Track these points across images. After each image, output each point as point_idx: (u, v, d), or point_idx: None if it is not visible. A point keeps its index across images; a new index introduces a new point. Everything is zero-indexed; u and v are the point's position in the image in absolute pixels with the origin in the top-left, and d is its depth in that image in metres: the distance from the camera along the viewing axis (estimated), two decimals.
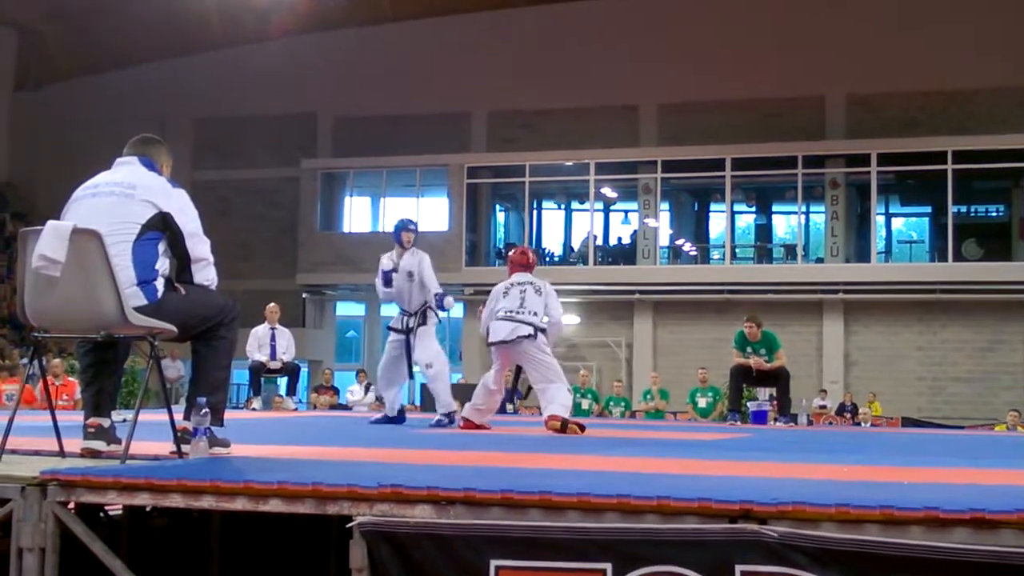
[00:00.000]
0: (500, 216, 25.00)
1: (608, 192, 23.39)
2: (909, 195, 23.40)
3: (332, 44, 23.55)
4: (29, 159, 24.86)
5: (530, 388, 8.49)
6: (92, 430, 4.07)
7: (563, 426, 7.05)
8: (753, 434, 8.59)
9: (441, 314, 8.48)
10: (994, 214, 22.70)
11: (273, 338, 12.49)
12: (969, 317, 20.38)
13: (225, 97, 24.10)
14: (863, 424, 15.91)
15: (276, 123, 24.32)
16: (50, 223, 3.77)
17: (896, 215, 23.84)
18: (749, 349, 11.04)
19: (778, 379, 11.10)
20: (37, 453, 4.09)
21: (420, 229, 8.93)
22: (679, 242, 23.58)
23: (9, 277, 21.26)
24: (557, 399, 7.26)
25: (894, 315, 20.84)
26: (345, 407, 16.71)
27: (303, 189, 23.70)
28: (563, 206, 24.91)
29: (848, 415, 17.43)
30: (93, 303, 3.77)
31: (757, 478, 3.82)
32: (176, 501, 3.17)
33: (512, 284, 7.64)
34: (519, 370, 8.56)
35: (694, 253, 23.65)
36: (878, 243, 21.75)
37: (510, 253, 8.21)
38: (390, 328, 8.61)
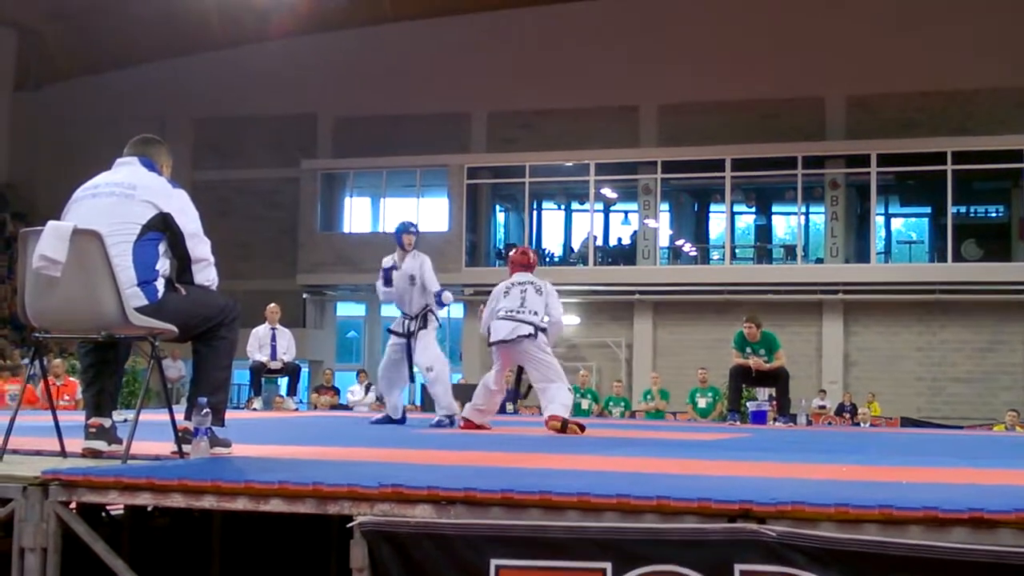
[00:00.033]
0: (500, 216, 25.00)
1: (608, 193, 23.40)
2: (909, 196, 23.41)
3: (332, 44, 23.56)
4: (29, 159, 24.86)
5: (530, 388, 8.50)
6: (93, 430, 4.08)
7: (563, 426, 7.06)
8: (752, 434, 8.60)
9: (440, 312, 8.50)
10: (993, 215, 22.71)
11: (274, 338, 12.51)
12: (968, 317, 20.39)
13: (225, 97, 24.11)
14: (862, 424, 15.92)
15: (276, 123, 24.33)
16: (51, 223, 3.77)
17: (895, 216, 23.85)
18: (748, 349, 11.05)
19: (777, 379, 11.11)
20: (39, 453, 4.10)
21: (420, 229, 8.93)
22: (679, 243, 23.59)
23: (10, 277, 21.25)
24: (558, 399, 7.27)
25: (893, 315, 20.85)
26: (346, 407, 16.73)
27: (303, 189, 23.70)
28: (563, 206, 24.91)
29: (847, 415, 17.44)
30: (94, 303, 3.78)
31: (756, 478, 3.83)
32: (177, 501, 3.17)
33: (513, 284, 7.65)
34: (521, 371, 8.58)
35: (694, 254, 23.66)
36: (877, 244, 21.76)
37: (511, 253, 8.22)
38: (391, 331, 8.61)
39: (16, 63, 24.92)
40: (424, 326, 8.31)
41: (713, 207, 23.81)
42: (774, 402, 11.39)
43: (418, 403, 15.95)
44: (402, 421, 8.55)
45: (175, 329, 3.98)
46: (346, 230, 24.49)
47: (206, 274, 4.17)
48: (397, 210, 22.83)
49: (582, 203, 23.66)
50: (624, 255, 23.39)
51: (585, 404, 15.28)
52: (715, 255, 23.34)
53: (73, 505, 3.31)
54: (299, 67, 23.32)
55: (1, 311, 21.64)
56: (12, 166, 24.82)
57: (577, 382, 15.09)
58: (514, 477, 3.44)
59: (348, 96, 23.91)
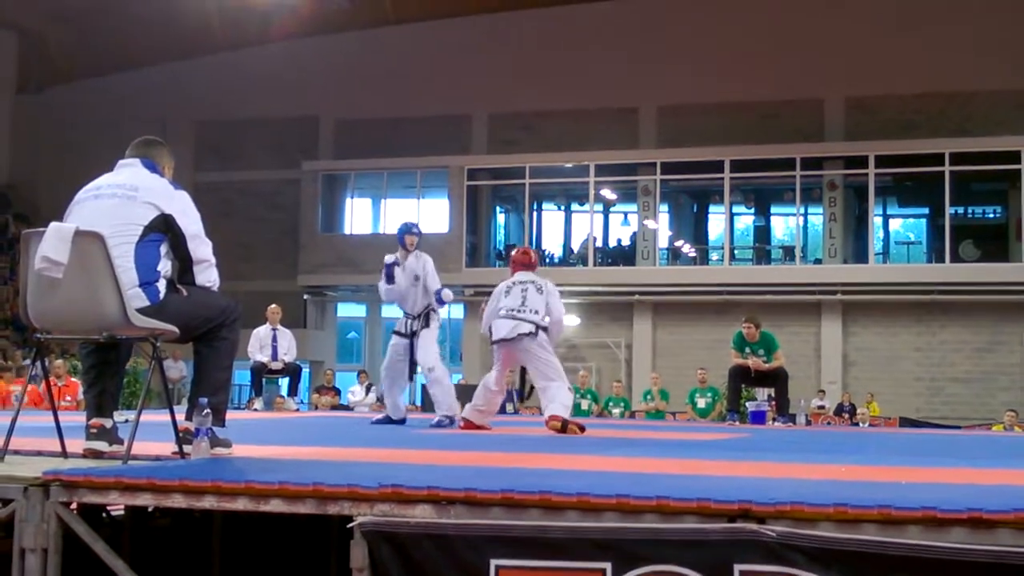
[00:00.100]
0: (500, 218, 25.03)
1: (608, 194, 23.42)
2: (907, 196, 23.42)
3: (333, 47, 23.58)
4: (31, 161, 24.87)
5: (532, 388, 8.51)
6: (94, 431, 4.08)
7: (563, 426, 7.07)
8: (752, 434, 8.61)
9: (441, 309, 8.51)
10: (991, 215, 22.72)
11: (274, 339, 12.52)
12: (967, 318, 20.41)
13: (226, 99, 24.12)
14: (861, 424, 15.92)
15: (277, 125, 24.35)
16: (53, 225, 3.78)
17: (894, 216, 23.87)
18: (748, 350, 11.06)
19: (776, 379, 11.12)
20: (39, 454, 4.10)
21: (421, 231, 8.94)
22: (678, 243, 23.61)
23: (12, 279, 21.27)
24: (558, 398, 7.28)
25: (892, 316, 20.87)
26: (346, 408, 16.74)
27: (304, 191, 23.72)
28: (563, 208, 24.93)
29: (846, 415, 17.44)
30: (95, 304, 3.78)
31: (756, 478, 3.83)
32: (178, 501, 3.18)
33: (514, 283, 7.66)
34: (525, 371, 8.58)
35: (693, 254, 23.68)
36: (876, 244, 21.77)
37: (512, 252, 8.24)
38: (395, 332, 8.64)
39: (18, 65, 24.94)
40: (427, 325, 8.33)
41: (712, 208, 23.83)
42: (773, 402, 11.40)
43: (418, 403, 15.96)
44: (402, 421, 8.56)
45: (176, 330, 3.98)
46: (347, 231, 24.50)
47: (207, 275, 4.18)
48: (398, 211, 22.87)
49: (582, 204, 23.68)
50: (624, 256, 23.41)
51: (585, 404, 15.28)
52: (714, 256, 23.36)
53: (74, 506, 3.32)
54: (300, 69, 23.34)
55: (3, 312, 21.65)
56: (14, 168, 24.84)
57: (577, 382, 15.09)
58: (514, 477, 3.44)
59: (349, 98, 23.93)
